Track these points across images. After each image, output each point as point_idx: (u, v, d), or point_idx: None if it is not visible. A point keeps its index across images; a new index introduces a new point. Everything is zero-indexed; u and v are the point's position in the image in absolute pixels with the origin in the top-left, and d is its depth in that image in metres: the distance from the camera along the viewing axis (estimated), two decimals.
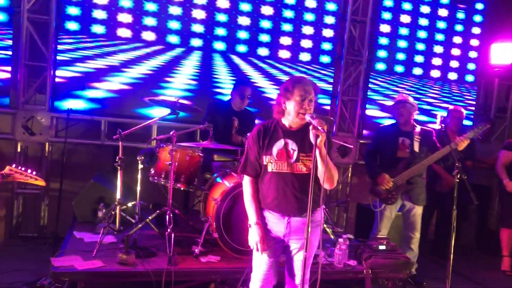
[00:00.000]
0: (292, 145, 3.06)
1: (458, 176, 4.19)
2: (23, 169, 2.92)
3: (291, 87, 3.04)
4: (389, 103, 7.23)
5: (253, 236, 3.12)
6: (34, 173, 2.94)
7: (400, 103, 4.85)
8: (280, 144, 3.07)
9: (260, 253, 3.11)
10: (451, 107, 6.02)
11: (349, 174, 6.87)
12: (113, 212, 4.32)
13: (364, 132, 6.96)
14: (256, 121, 5.39)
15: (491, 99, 7.58)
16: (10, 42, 5.67)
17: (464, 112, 5.89)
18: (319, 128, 2.79)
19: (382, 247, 4.35)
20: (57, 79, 5.77)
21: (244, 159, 3.22)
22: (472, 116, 7.60)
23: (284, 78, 6.60)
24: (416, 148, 4.79)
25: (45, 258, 4.78)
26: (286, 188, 3.05)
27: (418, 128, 4.87)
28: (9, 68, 5.67)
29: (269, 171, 3.08)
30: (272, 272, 3.20)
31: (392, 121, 5.13)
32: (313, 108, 3.05)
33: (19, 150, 5.70)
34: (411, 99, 4.90)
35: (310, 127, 2.87)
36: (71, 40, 5.85)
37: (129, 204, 4.64)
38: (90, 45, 5.92)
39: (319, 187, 3.03)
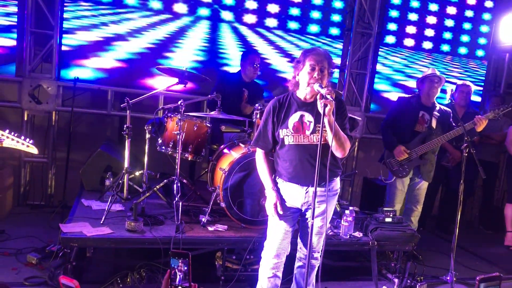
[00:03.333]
0: (308, 117, 3.08)
1: (467, 150, 4.18)
2: (16, 134, 2.89)
3: (303, 57, 3.06)
4: (398, 77, 7.17)
5: (271, 201, 3.16)
6: (27, 140, 2.92)
7: (430, 77, 4.73)
8: (295, 116, 3.09)
9: (277, 217, 3.15)
10: (459, 82, 5.95)
11: (356, 148, 6.86)
12: (120, 181, 4.33)
13: (372, 106, 6.92)
14: (264, 94, 5.37)
15: (501, 75, 7.50)
16: (15, 9, 5.59)
17: (473, 87, 5.82)
18: (328, 97, 2.77)
19: (388, 220, 4.37)
20: (63, 47, 5.70)
21: (257, 133, 3.24)
22: (482, 92, 7.51)
23: (293, 49, 6.52)
24: (434, 124, 4.75)
25: (53, 226, 4.87)
26: (304, 159, 3.07)
27: (437, 106, 4.82)
28: (14, 36, 5.61)
29: (286, 144, 3.10)
30: (288, 240, 3.25)
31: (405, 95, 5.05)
32: (326, 79, 3.03)
33: (25, 118, 5.69)
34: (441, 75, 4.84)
35: (318, 96, 2.85)
36: (77, 8, 5.76)
37: (137, 173, 4.66)
38: (96, 12, 5.83)
39: (334, 157, 3.07)
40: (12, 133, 2.87)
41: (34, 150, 2.95)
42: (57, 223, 4.80)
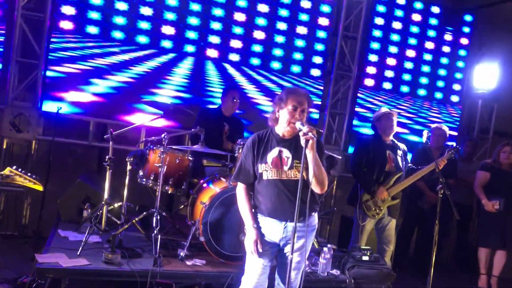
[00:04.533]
0: (286, 153, 3.15)
1: (442, 192, 4.29)
2: (23, 171, 2.88)
3: (285, 96, 3.14)
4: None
5: (251, 238, 3.17)
6: (33, 176, 2.90)
7: (387, 114, 4.87)
8: (274, 152, 3.16)
9: (256, 255, 3.16)
10: (433, 125, 6.12)
11: (334, 187, 6.95)
12: (99, 212, 4.30)
13: (350, 149, 7.07)
14: (245, 134, 5.46)
15: (475, 120, 7.77)
16: (1, 38, 5.63)
17: (447, 130, 5.98)
18: (309, 134, 2.87)
19: (365, 258, 4.40)
20: (47, 77, 5.73)
21: (238, 167, 3.29)
22: (456, 136, 7.76)
23: (275, 88, 6.69)
24: (400, 162, 4.86)
25: (26, 257, 4.76)
26: (282, 195, 3.12)
27: (397, 143, 4.93)
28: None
29: (264, 179, 3.15)
30: (266, 276, 3.26)
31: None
32: (305, 118, 3.12)
33: (4, 146, 5.64)
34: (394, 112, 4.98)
35: (300, 133, 2.94)
36: (64, 40, 5.83)
37: (115, 205, 4.62)
38: (82, 45, 5.91)
39: (313, 192, 3.11)
40: (19, 170, 2.86)
41: (39, 187, 2.93)
42: (30, 254, 4.70)
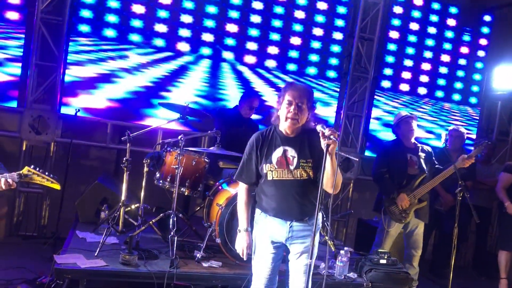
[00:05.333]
0: (291, 152, 3.09)
1: (461, 195, 4.23)
2: (40, 170, 2.91)
3: (283, 91, 3.10)
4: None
5: (241, 242, 3.19)
6: (51, 175, 2.93)
7: (406, 119, 4.85)
8: (279, 151, 3.10)
9: (244, 257, 3.19)
10: (451, 127, 6.04)
11: (350, 189, 6.90)
12: (116, 214, 4.34)
13: (367, 152, 7.03)
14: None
15: (494, 122, 7.66)
16: (21, 42, 5.72)
17: (465, 132, 5.89)
18: (332, 138, 2.79)
19: (383, 261, 4.36)
20: (66, 80, 5.81)
21: (240, 166, 3.24)
22: (474, 139, 7.65)
23: None
24: (424, 165, 4.81)
25: (45, 257, 4.83)
26: (287, 195, 3.08)
27: (419, 146, 4.89)
28: (19, 66, 5.71)
29: (269, 179, 3.10)
30: (274, 277, 3.23)
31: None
32: (305, 114, 3.04)
33: (24, 148, 5.72)
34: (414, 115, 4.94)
35: (321, 135, 2.84)
36: (82, 42, 5.90)
37: (133, 207, 4.66)
38: (100, 48, 5.96)
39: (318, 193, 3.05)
40: (37, 169, 2.89)
41: (57, 186, 2.96)
42: (48, 255, 4.78)
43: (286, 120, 3.03)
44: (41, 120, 5.64)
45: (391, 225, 4.81)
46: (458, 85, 7.60)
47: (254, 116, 5.70)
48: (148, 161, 4.62)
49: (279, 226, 3.14)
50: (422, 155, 4.84)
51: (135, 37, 6.00)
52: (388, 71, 7.20)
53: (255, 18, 6.44)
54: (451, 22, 7.44)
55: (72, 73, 5.85)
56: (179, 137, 4.32)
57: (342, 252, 4.22)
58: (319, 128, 2.95)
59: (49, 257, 4.71)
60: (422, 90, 7.38)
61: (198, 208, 5.35)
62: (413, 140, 4.87)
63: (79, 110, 5.73)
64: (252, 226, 3.23)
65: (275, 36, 6.54)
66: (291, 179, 3.07)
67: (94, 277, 3.63)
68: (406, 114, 4.90)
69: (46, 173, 2.92)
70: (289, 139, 3.11)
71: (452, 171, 4.57)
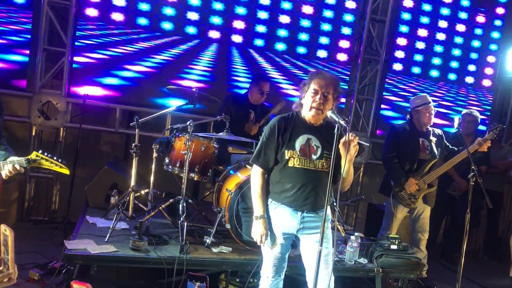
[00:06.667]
0: (315, 142, 3.04)
1: (474, 179, 4.17)
2: (49, 155, 2.88)
3: (309, 79, 3.04)
4: (405, 104, 7.20)
5: (258, 229, 3.10)
6: (60, 160, 2.91)
7: (427, 107, 4.69)
8: (302, 139, 3.04)
9: (262, 245, 3.13)
10: (464, 111, 5.94)
11: (361, 174, 6.85)
12: (126, 199, 4.33)
13: (378, 135, 6.94)
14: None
15: (508, 105, 7.53)
16: (28, 26, 5.69)
17: (478, 115, 5.78)
18: (354, 144, 2.82)
19: (394, 247, 4.32)
20: (74, 65, 5.78)
21: (258, 150, 3.15)
22: (487, 122, 7.54)
23: (300, 73, 6.59)
24: (435, 149, 4.73)
25: (56, 242, 4.86)
26: (306, 184, 3.02)
27: (430, 130, 4.81)
28: (27, 52, 5.69)
29: (290, 166, 3.03)
30: (283, 263, 3.22)
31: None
32: (330, 104, 3.00)
33: (33, 134, 5.73)
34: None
35: (344, 138, 2.84)
36: (89, 27, 5.85)
37: (142, 192, 4.65)
38: (107, 32, 5.92)
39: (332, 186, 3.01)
40: (46, 154, 2.86)
41: (66, 171, 2.93)
42: (60, 240, 4.80)
43: (311, 110, 2.99)
44: (50, 106, 5.64)
45: (398, 210, 4.78)
46: (472, 67, 7.47)
47: None
48: (157, 146, 4.59)
49: (290, 217, 3.08)
50: (434, 139, 4.76)
51: (142, 21, 5.94)
52: (399, 54, 7.08)
53: (264, 0, 6.33)
54: (465, 2, 7.28)
55: (80, 58, 5.82)
56: (188, 122, 4.28)
57: (352, 237, 4.18)
58: (329, 114, 2.91)
59: (60, 242, 4.73)
60: (434, 73, 7.26)
61: (208, 193, 5.34)
62: (427, 127, 4.78)
63: (87, 95, 5.70)
64: (268, 213, 3.14)
65: (284, 19, 6.44)
66: (312, 169, 3.02)
67: (104, 262, 3.64)
68: (429, 100, 4.73)
69: (55, 158, 2.90)
70: (312, 128, 3.06)
71: (465, 156, 4.50)
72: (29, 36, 5.68)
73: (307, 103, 3.01)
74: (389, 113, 7.02)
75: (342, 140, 2.86)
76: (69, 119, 5.81)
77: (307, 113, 3.04)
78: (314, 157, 3.02)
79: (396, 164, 4.77)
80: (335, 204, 3.13)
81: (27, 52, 5.70)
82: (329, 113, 2.92)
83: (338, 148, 2.87)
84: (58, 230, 5.26)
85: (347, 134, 2.83)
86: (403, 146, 4.77)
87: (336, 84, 3.04)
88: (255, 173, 3.16)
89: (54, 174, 5.83)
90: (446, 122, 7.13)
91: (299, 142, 3.04)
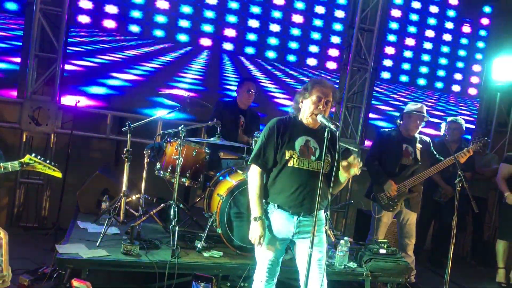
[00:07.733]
0: (313, 143, 3.11)
1: (460, 185, 4.25)
2: (42, 158, 2.90)
3: (311, 86, 3.11)
4: (394, 113, 7.31)
5: (256, 231, 3.10)
6: (52, 163, 2.93)
7: (420, 116, 4.77)
8: (302, 140, 3.11)
9: (260, 247, 3.14)
10: (449, 118, 6.03)
11: (350, 180, 6.92)
12: (117, 204, 4.35)
13: (367, 142, 7.03)
14: (262, 128, 5.45)
15: (493, 113, 7.67)
16: (17, 32, 5.71)
17: (463, 123, 5.89)
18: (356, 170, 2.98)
19: (382, 251, 4.38)
20: (65, 71, 5.80)
21: (258, 150, 3.15)
22: (473, 130, 7.67)
23: (290, 81, 6.67)
24: (419, 156, 4.83)
25: (46, 248, 4.84)
26: (304, 185, 3.06)
27: (417, 137, 4.91)
28: (15, 59, 5.70)
29: (289, 166, 3.06)
30: (277, 267, 3.25)
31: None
32: (328, 111, 3.12)
33: (24, 140, 5.72)
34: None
35: (346, 162, 3.00)
36: (81, 34, 5.88)
37: (133, 197, 4.67)
38: (99, 39, 5.96)
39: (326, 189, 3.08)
40: (39, 157, 2.87)
41: (59, 174, 2.95)
42: (50, 245, 4.79)
43: (311, 116, 3.08)
44: (41, 111, 5.64)
45: (380, 212, 4.86)
46: (458, 76, 7.62)
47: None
48: (149, 151, 4.63)
49: (286, 221, 3.11)
50: (419, 146, 4.86)
51: (134, 28, 5.99)
52: (388, 62, 7.20)
53: (255, 9, 6.42)
54: (451, 13, 7.44)
55: (72, 65, 5.84)
56: (180, 127, 4.32)
57: (342, 242, 4.24)
58: (319, 118, 2.99)
59: (50, 247, 4.73)
60: (421, 81, 7.40)
61: (199, 199, 5.37)
62: (413, 134, 4.87)
63: (78, 101, 5.72)
64: (265, 213, 3.16)
65: (275, 27, 6.53)
66: (311, 170, 3.07)
67: (96, 266, 3.65)
68: (424, 111, 4.82)
69: (48, 161, 2.92)
70: (311, 130, 3.14)
71: (450, 162, 4.60)
72: (18, 43, 5.69)
73: (308, 109, 3.09)
74: (382, 123, 7.12)
75: (346, 163, 3.00)
76: (60, 125, 5.81)
77: (306, 117, 3.12)
78: (313, 158, 3.09)
79: (377, 166, 4.88)
80: (327, 207, 3.18)
81: (16, 60, 5.70)
82: (319, 118, 3.00)
83: (335, 152, 3.03)
84: (48, 236, 5.25)
85: (352, 156, 2.98)
86: (387, 150, 4.87)
87: (335, 92, 3.17)
88: (254, 173, 3.16)
89: (44, 180, 5.82)
90: (438, 133, 7.26)
91: (299, 143, 3.10)
